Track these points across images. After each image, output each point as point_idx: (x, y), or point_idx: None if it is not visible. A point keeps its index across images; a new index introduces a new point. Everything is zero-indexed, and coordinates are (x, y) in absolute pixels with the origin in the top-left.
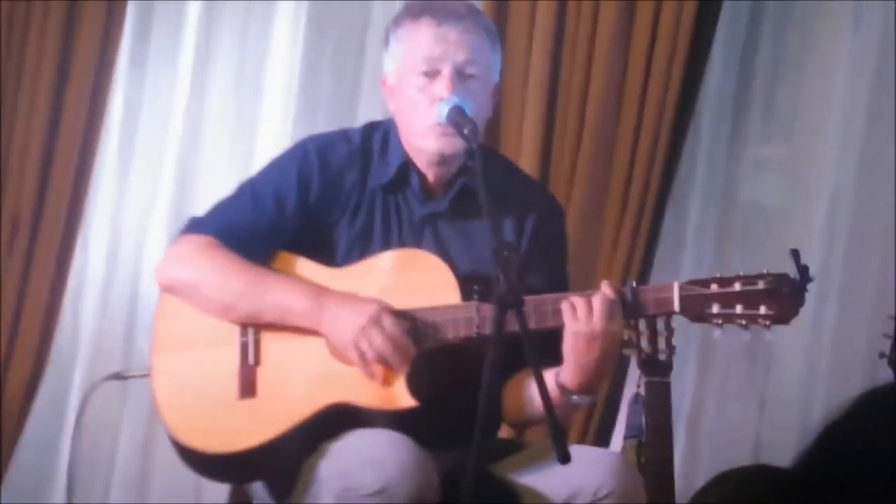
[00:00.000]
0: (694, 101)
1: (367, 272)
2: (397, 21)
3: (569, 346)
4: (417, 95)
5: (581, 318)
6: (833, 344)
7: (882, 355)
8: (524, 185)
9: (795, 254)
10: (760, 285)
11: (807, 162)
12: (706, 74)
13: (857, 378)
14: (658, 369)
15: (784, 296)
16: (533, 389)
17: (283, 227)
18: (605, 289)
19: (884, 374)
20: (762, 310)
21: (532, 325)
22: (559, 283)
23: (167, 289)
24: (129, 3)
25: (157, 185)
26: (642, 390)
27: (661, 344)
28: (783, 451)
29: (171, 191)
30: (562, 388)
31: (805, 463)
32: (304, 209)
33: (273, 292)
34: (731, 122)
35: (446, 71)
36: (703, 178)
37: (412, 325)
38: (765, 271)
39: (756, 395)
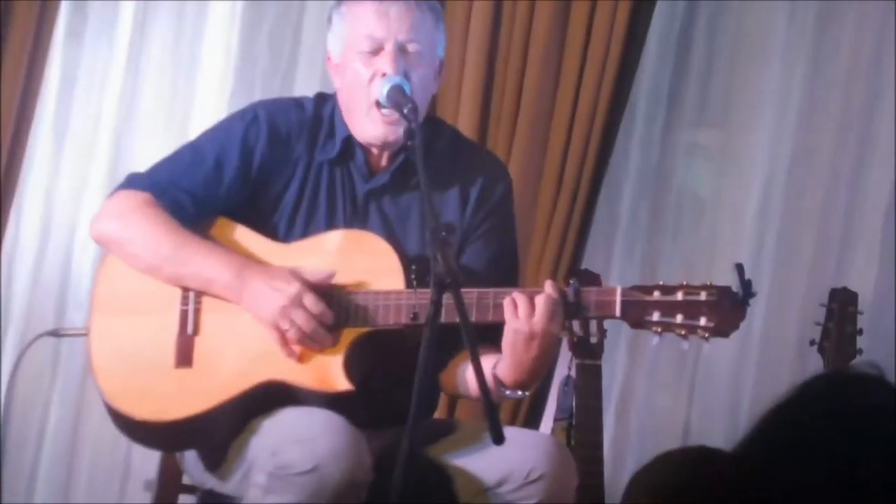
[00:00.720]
0: (629, 86)
1: (312, 250)
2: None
3: (508, 342)
4: (360, 72)
5: (522, 316)
6: (763, 332)
7: (812, 343)
8: (470, 153)
9: (739, 268)
10: (702, 296)
11: (740, 149)
12: (641, 60)
13: (786, 366)
14: (589, 352)
15: (725, 309)
16: (469, 373)
17: (222, 191)
18: (549, 289)
19: (814, 362)
20: (702, 321)
21: (472, 317)
22: (508, 252)
23: (98, 241)
24: None
25: (92, 158)
26: (573, 372)
27: (593, 327)
28: (711, 438)
29: (105, 165)
30: (497, 381)
31: (746, 446)
32: (246, 176)
33: (197, 261)
34: (665, 109)
35: (389, 47)
36: (636, 164)
37: (343, 305)
38: (708, 283)
39: (686, 382)
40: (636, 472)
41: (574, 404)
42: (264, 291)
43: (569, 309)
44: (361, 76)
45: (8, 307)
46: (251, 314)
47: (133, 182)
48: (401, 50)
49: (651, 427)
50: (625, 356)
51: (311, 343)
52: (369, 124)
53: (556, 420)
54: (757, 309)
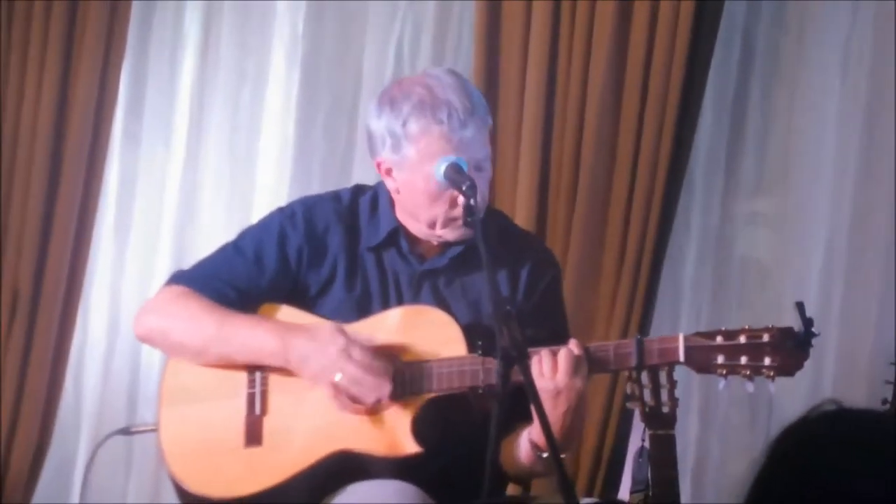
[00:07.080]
0: (687, 154)
1: (373, 327)
2: (398, 114)
3: None
4: (436, 193)
5: (546, 373)
6: (833, 393)
7: (884, 402)
8: (519, 238)
9: (800, 306)
10: (765, 338)
11: (800, 213)
12: (698, 127)
13: None
14: (662, 422)
15: (789, 349)
16: (516, 445)
17: (264, 283)
18: (572, 345)
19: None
20: (767, 361)
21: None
22: (561, 333)
23: (143, 339)
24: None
25: (155, 254)
26: (647, 443)
27: (664, 396)
28: None
29: (169, 260)
30: (532, 445)
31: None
32: (286, 269)
33: (242, 334)
34: (723, 175)
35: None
36: (697, 232)
37: (407, 373)
38: (770, 325)
39: (759, 445)
40: (782, 430)
41: (649, 475)
42: (310, 348)
43: (634, 363)
44: (437, 197)
45: (80, 405)
46: (301, 375)
47: (175, 278)
48: (476, 168)
49: (728, 492)
50: (696, 422)
51: (365, 391)
52: (449, 233)
53: (631, 492)
54: (826, 370)
